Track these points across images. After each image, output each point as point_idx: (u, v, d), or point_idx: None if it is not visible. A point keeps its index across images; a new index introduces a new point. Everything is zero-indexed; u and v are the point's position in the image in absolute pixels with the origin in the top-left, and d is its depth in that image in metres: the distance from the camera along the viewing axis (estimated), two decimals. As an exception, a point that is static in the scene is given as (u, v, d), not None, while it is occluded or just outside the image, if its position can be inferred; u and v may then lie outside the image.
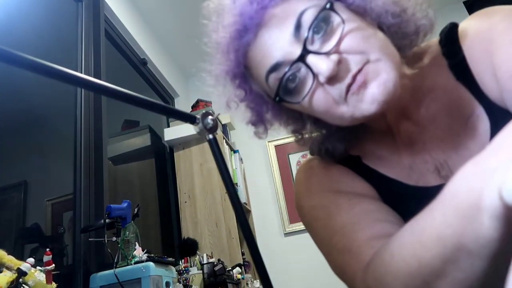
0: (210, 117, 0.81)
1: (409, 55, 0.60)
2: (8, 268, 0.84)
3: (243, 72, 0.61)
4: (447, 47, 0.61)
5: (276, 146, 3.17)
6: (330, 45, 0.52)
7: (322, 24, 0.53)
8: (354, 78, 0.52)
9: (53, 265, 0.95)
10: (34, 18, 1.58)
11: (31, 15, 1.56)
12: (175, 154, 2.70)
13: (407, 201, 0.61)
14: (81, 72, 1.78)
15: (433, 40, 0.64)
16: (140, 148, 2.47)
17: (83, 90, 1.73)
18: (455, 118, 0.60)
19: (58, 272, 0.98)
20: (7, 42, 1.34)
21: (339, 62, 0.52)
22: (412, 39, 0.58)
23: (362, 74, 0.52)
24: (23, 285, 0.84)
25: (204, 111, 0.84)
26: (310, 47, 0.53)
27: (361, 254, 0.54)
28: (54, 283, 0.94)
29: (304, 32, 0.53)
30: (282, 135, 0.75)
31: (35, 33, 1.54)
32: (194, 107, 2.95)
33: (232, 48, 0.57)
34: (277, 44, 0.54)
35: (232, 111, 0.67)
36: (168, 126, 2.72)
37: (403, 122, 0.63)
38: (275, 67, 0.55)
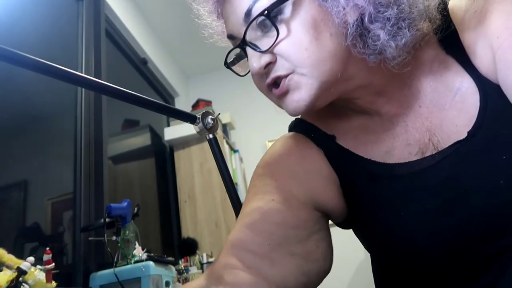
0: (210, 116, 0.81)
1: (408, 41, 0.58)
2: (8, 267, 0.85)
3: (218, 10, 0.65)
4: (437, 21, 0.59)
5: (276, 146, 3.17)
6: (267, 44, 0.54)
7: (266, 22, 0.53)
8: (273, 80, 0.55)
9: (53, 264, 0.95)
10: (35, 17, 1.58)
11: (31, 15, 1.56)
12: (175, 153, 2.70)
13: (382, 179, 0.59)
14: (82, 72, 1.78)
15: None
16: (140, 148, 2.47)
17: (83, 89, 1.73)
18: (441, 92, 0.59)
19: (58, 271, 0.99)
20: (8, 41, 1.34)
21: (270, 62, 0.54)
22: (407, 23, 0.53)
23: (285, 83, 0.54)
24: (23, 284, 0.84)
25: (204, 111, 0.84)
26: (252, 35, 0.55)
27: (224, 253, 0.55)
28: (54, 282, 0.94)
29: (248, 22, 0.54)
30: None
31: (36, 32, 1.54)
32: (194, 106, 2.96)
33: None
34: (233, 17, 0.57)
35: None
36: (168, 126, 2.73)
37: (382, 103, 0.60)
38: (230, 37, 0.60)
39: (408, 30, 0.51)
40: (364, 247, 0.68)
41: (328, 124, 0.68)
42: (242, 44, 0.55)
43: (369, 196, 0.61)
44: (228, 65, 0.62)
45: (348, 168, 0.63)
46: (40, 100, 1.53)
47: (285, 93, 0.55)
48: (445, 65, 0.59)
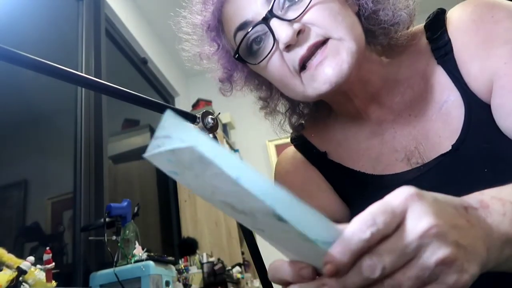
0: (210, 116, 0.81)
1: (386, 44, 0.60)
2: (8, 267, 0.85)
3: (217, 26, 0.62)
4: (432, 31, 0.60)
5: (276, 146, 3.18)
6: (296, 13, 0.53)
7: None
8: (309, 50, 0.52)
9: (53, 263, 0.95)
10: (35, 17, 1.58)
11: (32, 15, 1.56)
12: None
13: (371, 190, 0.61)
14: (82, 71, 1.78)
15: (419, 26, 0.63)
16: (140, 147, 2.47)
17: (83, 89, 1.73)
18: (429, 102, 0.59)
19: (58, 270, 0.99)
20: (8, 41, 1.34)
21: (301, 31, 0.52)
22: (389, 28, 0.57)
23: (322, 51, 0.52)
24: (23, 283, 0.84)
25: (204, 111, 0.84)
26: (276, 12, 0.53)
27: None
28: (54, 281, 0.94)
29: None
30: (282, 135, 0.76)
31: (36, 32, 1.54)
32: (195, 106, 2.96)
33: None
34: (249, 3, 0.55)
35: (204, 64, 0.68)
36: (168, 125, 2.72)
37: (374, 109, 0.62)
38: (243, 26, 0.56)
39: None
40: None
41: (322, 139, 0.70)
42: (264, 19, 0.53)
43: (362, 206, 0.62)
44: (239, 56, 0.59)
45: (342, 181, 0.67)
46: (40, 100, 1.53)
47: (323, 60, 0.52)
48: (435, 76, 0.60)
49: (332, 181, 0.69)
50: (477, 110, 0.55)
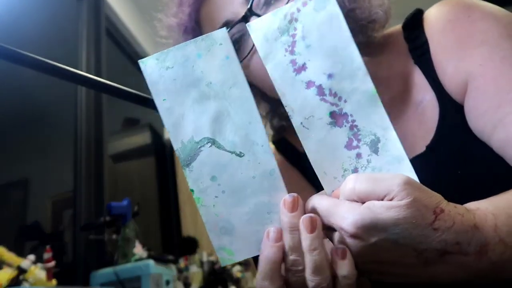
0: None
1: (363, 42, 0.59)
2: (9, 265, 0.85)
3: (195, 28, 0.61)
4: (409, 32, 0.59)
5: (276, 145, 3.17)
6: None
7: None
8: None
9: (54, 262, 0.95)
10: (36, 16, 1.58)
11: (32, 14, 1.56)
12: (175, 152, 2.70)
13: None
14: (82, 70, 1.78)
15: (397, 26, 0.62)
16: (141, 146, 2.48)
17: (83, 87, 1.73)
18: (407, 103, 0.59)
19: (58, 269, 0.99)
20: (9, 40, 1.34)
21: None
22: (366, 26, 0.57)
23: None
24: (24, 282, 0.85)
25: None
26: (256, 10, 0.53)
27: None
28: (54, 280, 0.94)
29: None
30: None
31: (37, 31, 1.54)
32: (195, 105, 2.96)
33: (186, 1, 0.58)
34: (228, 3, 0.54)
35: None
36: (169, 124, 2.73)
37: None
38: (224, 26, 0.55)
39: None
40: None
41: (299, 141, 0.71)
42: (243, 18, 0.53)
43: None
44: None
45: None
46: (41, 99, 1.53)
47: None
48: (412, 76, 0.59)
49: (314, 181, 0.68)
50: (451, 111, 0.54)
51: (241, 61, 0.56)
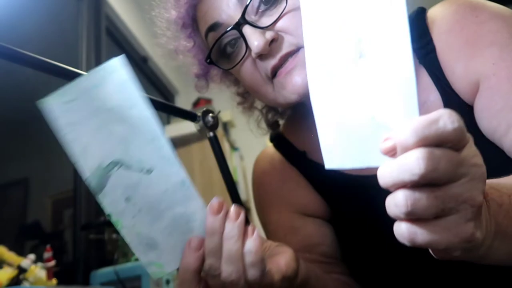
0: (210, 114, 0.81)
1: None
2: (9, 265, 0.85)
3: (192, 23, 0.61)
4: (413, 31, 0.59)
5: (276, 144, 3.17)
6: (269, 19, 0.52)
7: None
8: (281, 59, 0.52)
9: (54, 261, 0.95)
10: (36, 16, 1.58)
11: (32, 13, 1.56)
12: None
13: (355, 190, 0.62)
14: (82, 70, 1.78)
15: None
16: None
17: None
18: None
19: (59, 268, 0.99)
20: (9, 39, 1.34)
21: (274, 40, 0.51)
22: None
23: (293, 59, 0.52)
24: (24, 281, 0.85)
25: (205, 109, 0.84)
26: (249, 17, 0.52)
27: None
28: (54, 279, 0.94)
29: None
30: (257, 132, 0.78)
31: (37, 31, 1.54)
32: (195, 104, 2.95)
33: None
34: (222, 3, 0.53)
35: (180, 60, 0.69)
36: (169, 123, 2.72)
37: None
38: (214, 27, 0.55)
39: None
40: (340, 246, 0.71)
41: (301, 139, 0.71)
42: (236, 25, 0.52)
43: (349, 207, 0.65)
44: (210, 61, 0.59)
45: (323, 181, 0.67)
46: (41, 98, 1.53)
47: (292, 69, 0.52)
48: (416, 76, 0.59)
49: (312, 180, 0.69)
50: (456, 111, 0.54)
51: (234, 66, 0.57)
